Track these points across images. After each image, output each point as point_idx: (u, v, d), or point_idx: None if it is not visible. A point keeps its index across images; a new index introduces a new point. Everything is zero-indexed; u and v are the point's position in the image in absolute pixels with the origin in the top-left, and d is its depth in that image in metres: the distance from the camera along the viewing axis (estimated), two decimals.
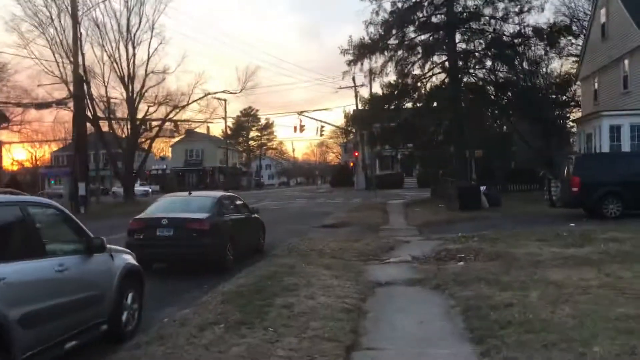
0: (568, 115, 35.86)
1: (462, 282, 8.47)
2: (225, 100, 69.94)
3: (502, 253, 11.14)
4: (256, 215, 13.40)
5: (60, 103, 28.73)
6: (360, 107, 36.50)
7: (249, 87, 40.66)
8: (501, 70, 28.86)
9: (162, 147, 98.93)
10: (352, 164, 66.94)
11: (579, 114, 38.09)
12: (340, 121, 46.94)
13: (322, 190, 64.51)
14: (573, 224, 15.67)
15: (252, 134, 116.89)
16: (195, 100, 37.33)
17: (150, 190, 62.87)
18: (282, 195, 52.55)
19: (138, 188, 61.13)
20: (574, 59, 36.38)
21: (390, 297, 8.15)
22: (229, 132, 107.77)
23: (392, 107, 30.11)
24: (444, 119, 30.06)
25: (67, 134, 60.88)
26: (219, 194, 12.31)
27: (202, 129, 67.46)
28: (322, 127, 55.25)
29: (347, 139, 69.37)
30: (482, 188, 21.68)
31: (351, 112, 32.18)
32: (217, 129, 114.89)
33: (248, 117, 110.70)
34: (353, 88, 53.40)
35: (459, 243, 13.37)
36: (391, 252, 12.67)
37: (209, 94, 37.93)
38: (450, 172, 33.30)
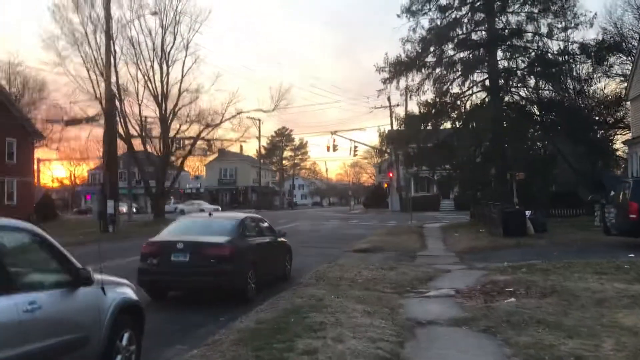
0: (614, 137, 33.98)
1: (516, 325, 7.25)
2: (259, 119, 70.08)
3: (558, 288, 9.82)
4: (282, 239, 12.39)
5: (90, 120, 28.55)
6: (395, 126, 35.38)
7: (282, 105, 40.08)
8: (545, 89, 27.43)
9: (198, 166, 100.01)
10: (386, 185, 65.65)
11: (627, 136, 36.25)
12: (374, 142, 45.98)
13: (356, 212, 63.27)
14: (632, 255, 14.17)
15: (286, 153, 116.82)
16: (228, 119, 36.93)
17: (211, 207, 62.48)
18: (314, 216, 51.54)
19: (183, 206, 61.16)
20: (621, 78, 34.70)
21: (433, 342, 6.97)
22: (263, 151, 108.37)
23: (430, 126, 28.90)
24: (484, 139, 28.66)
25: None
26: (241, 215, 11.35)
27: (235, 148, 67.36)
28: (356, 147, 54.32)
29: (382, 159, 68.18)
30: (527, 212, 20.20)
31: (386, 132, 30.92)
32: (251, 149, 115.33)
33: (282, 137, 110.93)
34: (388, 108, 52.54)
35: (506, 274, 12.07)
36: (430, 283, 11.46)
37: (242, 112, 37.51)
38: (490, 195, 31.76)
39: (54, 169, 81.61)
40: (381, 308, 8.54)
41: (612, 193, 17.47)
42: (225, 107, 38.07)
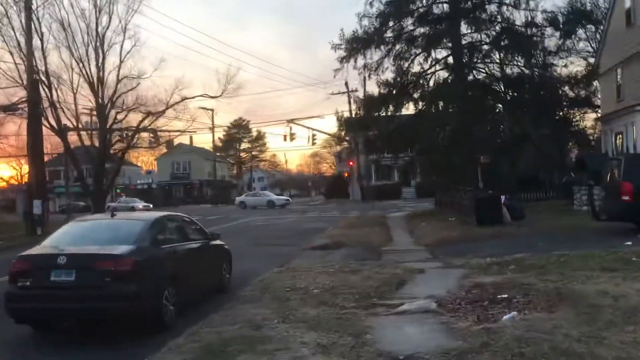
0: (582, 115, 32.56)
1: None
2: (212, 110, 66.90)
3: (565, 292, 7.69)
4: (217, 242, 9.87)
5: (9, 109, 25.16)
6: (354, 111, 33.08)
7: (231, 90, 36.97)
8: (513, 63, 25.55)
9: (150, 161, 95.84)
10: (347, 174, 63.68)
11: (592, 115, 34.99)
12: (334, 130, 43.37)
13: (316, 203, 61.09)
14: (630, 243, 12.29)
15: (244, 145, 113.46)
16: (171, 106, 33.74)
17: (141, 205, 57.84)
18: (272, 209, 49.04)
19: (136, 204, 56.54)
20: (587, 54, 33.34)
21: None
22: (219, 144, 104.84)
23: (391, 108, 26.72)
24: (449, 121, 26.68)
25: (47, 148, 57.41)
26: (156, 215, 8.75)
27: (185, 140, 63.97)
28: (314, 135, 52.07)
29: (341, 148, 66.08)
30: (502, 198, 18.22)
31: (344, 116, 28.52)
32: (206, 142, 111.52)
33: (239, 129, 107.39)
34: (346, 94, 50.32)
35: (493, 273, 9.92)
36: (402, 290, 9.18)
37: (187, 98, 34.36)
38: (455, 180, 29.95)
39: None
40: (342, 336, 6.18)
41: (597, 173, 15.62)
42: (170, 95, 34.96)
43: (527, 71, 25.74)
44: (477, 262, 11.28)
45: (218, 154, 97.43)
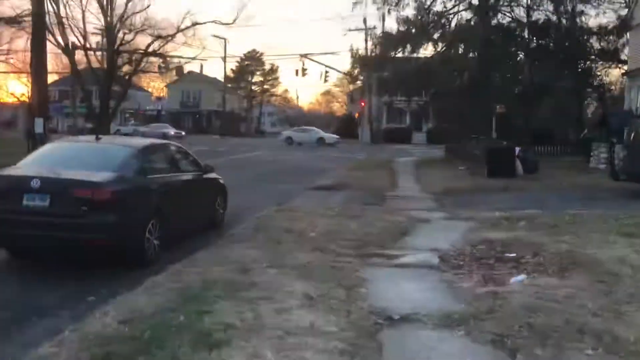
0: (608, 70, 31.13)
1: (545, 336, 4.46)
2: (225, 39, 65.11)
3: (579, 257, 7.10)
4: (211, 175, 9.27)
5: (13, 21, 24.10)
6: (370, 49, 31.78)
7: (244, 17, 35.53)
8: (541, 9, 24.12)
9: (161, 87, 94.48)
10: (357, 115, 62.55)
11: (615, 71, 33.49)
12: (348, 67, 41.88)
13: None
14: None
15: (256, 78, 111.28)
16: (182, 30, 32.41)
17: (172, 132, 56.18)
18: (279, 145, 48.38)
19: (168, 130, 55.46)
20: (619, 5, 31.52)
21: None
22: (231, 75, 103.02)
23: (408, 48, 25.52)
24: (468, 66, 25.55)
25: (59, 66, 56.17)
26: (145, 142, 8.13)
27: (195, 68, 62.58)
28: (327, 72, 50.64)
29: (354, 87, 64.66)
30: (516, 150, 17.44)
31: (359, 53, 27.34)
32: (218, 71, 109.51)
33: (251, 61, 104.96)
34: (364, 31, 48.54)
35: (502, 229, 9.34)
36: (404, 240, 8.63)
37: (197, 23, 33.02)
38: (468, 129, 29.07)
39: (10, 85, 75.61)
40: (333, 288, 5.67)
41: (620, 131, 14.74)
42: (181, 19, 33.60)
43: (555, 18, 24.33)
44: (485, 216, 10.68)
45: (229, 85, 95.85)
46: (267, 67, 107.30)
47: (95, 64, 34.58)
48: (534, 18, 25.07)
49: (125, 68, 34.05)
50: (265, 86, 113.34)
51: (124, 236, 6.41)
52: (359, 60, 27.30)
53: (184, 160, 8.56)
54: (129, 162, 6.95)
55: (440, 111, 29.17)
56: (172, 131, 55.85)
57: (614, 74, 33.74)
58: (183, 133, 57.90)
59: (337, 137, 53.64)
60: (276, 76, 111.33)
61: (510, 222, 9.95)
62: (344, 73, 52.92)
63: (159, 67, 39.59)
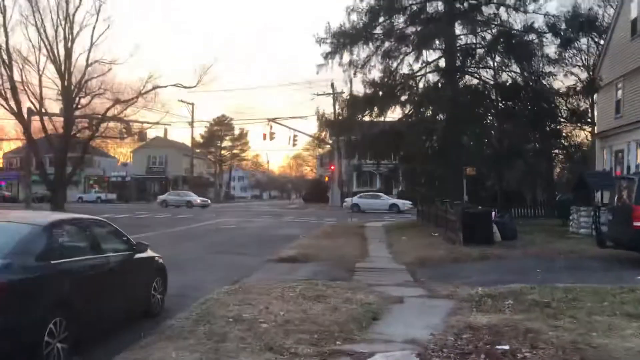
0: (575, 131, 31.08)
1: None
2: (192, 104, 64.63)
3: (588, 353, 5.84)
4: (145, 254, 7.83)
5: None
6: (338, 112, 31.25)
7: (207, 81, 34.88)
8: (509, 70, 23.88)
9: (127, 153, 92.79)
10: (327, 179, 61.89)
11: (581, 132, 33.53)
12: (316, 130, 41.32)
13: (294, 206, 59.12)
14: None
15: (225, 143, 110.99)
16: (143, 94, 31.53)
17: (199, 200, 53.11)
18: (246, 210, 46.95)
19: (192, 198, 52.17)
20: (584, 67, 31.97)
21: None
22: (200, 140, 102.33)
23: (376, 110, 24.87)
24: (436, 128, 24.96)
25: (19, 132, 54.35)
26: (53, 217, 6.66)
27: (159, 133, 61.53)
28: (296, 136, 50.19)
29: (323, 151, 64.28)
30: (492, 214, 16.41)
31: (324, 115, 26.55)
32: (188, 137, 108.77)
33: (221, 126, 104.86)
34: (332, 95, 48.49)
35: (487, 310, 8.08)
36: (375, 329, 7.27)
37: (158, 87, 32.17)
38: (438, 192, 28.23)
39: None
40: None
41: (600, 193, 13.88)
42: (144, 83, 32.78)
43: (523, 79, 24.09)
44: (466, 293, 9.43)
45: (198, 150, 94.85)
46: (237, 131, 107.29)
47: (54, 130, 33.20)
48: (501, 79, 24.82)
49: (86, 134, 32.70)
50: (234, 151, 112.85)
51: (12, 343, 4.90)
52: (325, 123, 26.48)
53: (107, 238, 7.13)
54: (27, 244, 5.51)
55: (409, 174, 28.33)
56: (198, 199, 52.78)
57: (582, 135, 33.85)
58: (209, 201, 55.15)
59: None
60: (246, 141, 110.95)
61: (495, 300, 8.69)
62: (312, 137, 52.53)
63: (121, 132, 38.31)
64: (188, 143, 74.49)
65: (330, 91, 47.97)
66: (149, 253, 8.01)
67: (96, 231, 6.91)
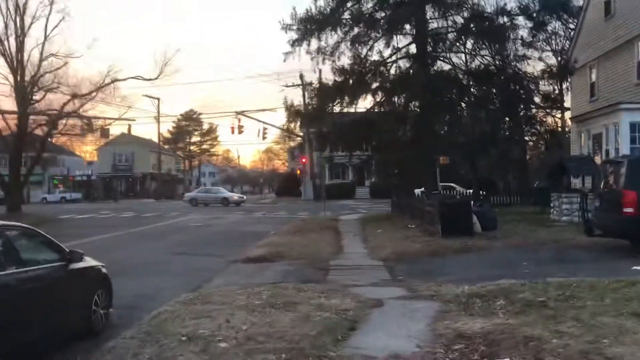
0: (548, 114, 30.64)
1: None
2: (158, 99, 62.85)
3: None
4: (84, 264, 6.69)
5: None
6: (308, 101, 30.23)
7: (169, 72, 33.34)
8: (482, 54, 23.15)
9: (92, 152, 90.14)
10: (299, 172, 60.88)
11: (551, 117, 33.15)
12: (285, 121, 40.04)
13: (266, 201, 57.90)
14: (638, 267, 9.81)
15: (195, 139, 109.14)
16: (101, 87, 29.97)
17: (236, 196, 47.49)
18: (217, 207, 45.59)
19: (226, 194, 47.01)
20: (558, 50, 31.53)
21: None
22: (169, 136, 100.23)
23: (346, 99, 23.91)
24: (409, 116, 24.13)
25: None
26: None
27: (122, 129, 59.70)
28: (265, 129, 48.97)
29: (293, 143, 63.18)
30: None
31: (293, 105, 25.41)
32: (155, 133, 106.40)
33: (190, 121, 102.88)
34: (301, 87, 47.40)
35: (477, 314, 7.18)
36: (352, 342, 6.28)
37: (117, 80, 30.61)
38: (413, 182, 27.54)
39: None
40: None
41: (581, 179, 13.16)
42: (104, 77, 31.17)
43: (496, 63, 23.41)
44: (451, 291, 8.54)
45: (167, 146, 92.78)
46: (206, 126, 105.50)
47: (8, 129, 31.36)
48: (474, 65, 24.09)
49: (39, 130, 30.97)
50: (204, 146, 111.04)
51: None
52: (293, 113, 25.38)
53: (31, 248, 5.98)
54: None
55: (382, 164, 27.45)
56: (235, 195, 48.05)
57: (554, 120, 33.46)
58: (244, 197, 49.90)
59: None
60: (215, 135, 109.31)
61: (484, 300, 7.81)
62: (281, 129, 51.40)
63: (82, 128, 36.52)
64: (155, 139, 72.63)
65: (300, 82, 46.94)
66: (89, 262, 6.89)
67: (15, 240, 5.74)
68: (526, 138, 32.06)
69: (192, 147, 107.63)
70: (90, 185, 71.26)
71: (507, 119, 26.19)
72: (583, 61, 23.49)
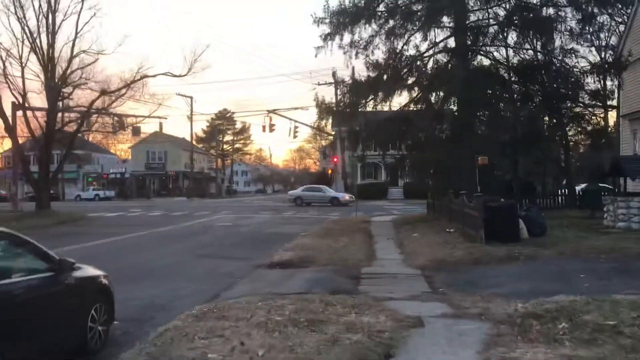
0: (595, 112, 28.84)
1: None
2: (191, 97, 62.71)
3: None
4: (80, 273, 5.82)
5: None
6: (340, 98, 29.17)
7: (198, 69, 32.55)
8: (526, 48, 21.71)
9: (127, 150, 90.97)
10: (330, 171, 59.88)
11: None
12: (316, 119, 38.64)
13: None
14: None
15: (227, 137, 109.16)
16: (131, 84, 29.51)
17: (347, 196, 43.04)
18: (247, 206, 44.99)
19: (333, 194, 43.71)
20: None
21: None
22: (202, 135, 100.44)
23: (380, 95, 22.78)
24: (448, 113, 22.88)
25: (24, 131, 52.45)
26: None
27: (154, 128, 59.50)
28: (296, 127, 48.11)
29: (325, 142, 62.13)
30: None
31: (324, 102, 24.32)
32: (189, 132, 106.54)
33: (222, 120, 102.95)
34: (333, 85, 46.35)
35: (537, 339, 6.05)
36: None
37: (146, 76, 30.09)
38: (450, 182, 26.15)
39: None
40: None
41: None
42: (134, 74, 30.74)
43: (539, 58, 21.94)
44: (502, 310, 7.39)
45: (200, 145, 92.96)
46: (239, 125, 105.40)
47: (38, 126, 31.25)
48: (518, 58, 22.67)
49: (69, 127, 30.72)
50: (237, 145, 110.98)
51: None
52: (325, 110, 24.32)
53: (7, 256, 5.11)
54: None
55: (417, 164, 26.16)
56: (346, 195, 43.49)
57: (598, 118, 31.58)
58: (353, 197, 42.95)
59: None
60: (248, 134, 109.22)
61: (543, 322, 6.64)
62: (312, 127, 50.43)
63: (113, 126, 36.24)
64: (188, 138, 72.60)
65: (332, 81, 45.88)
66: (85, 271, 6.02)
67: None
68: (573, 138, 30.36)
69: (225, 146, 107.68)
70: (123, 183, 71.71)
71: (551, 116, 24.76)
72: (637, 55, 21.78)
